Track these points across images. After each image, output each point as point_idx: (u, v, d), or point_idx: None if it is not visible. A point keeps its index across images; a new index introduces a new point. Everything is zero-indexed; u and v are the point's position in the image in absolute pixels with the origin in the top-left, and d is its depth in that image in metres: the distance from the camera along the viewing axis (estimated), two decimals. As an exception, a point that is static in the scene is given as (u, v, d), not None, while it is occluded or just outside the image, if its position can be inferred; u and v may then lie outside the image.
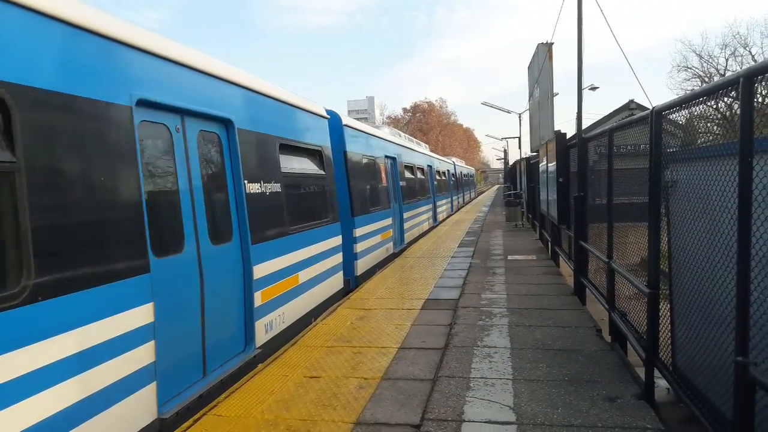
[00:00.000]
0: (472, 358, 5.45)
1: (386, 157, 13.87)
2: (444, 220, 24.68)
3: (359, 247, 10.55)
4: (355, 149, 11.08)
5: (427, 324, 6.78)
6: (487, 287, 8.91)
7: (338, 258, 9.03)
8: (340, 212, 9.40)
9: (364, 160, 11.76)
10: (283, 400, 4.56)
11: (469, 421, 4.06)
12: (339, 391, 4.70)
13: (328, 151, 8.99)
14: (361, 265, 10.64)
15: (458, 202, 35.92)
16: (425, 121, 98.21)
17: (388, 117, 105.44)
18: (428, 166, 21.49)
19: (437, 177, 24.32)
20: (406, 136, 21.78)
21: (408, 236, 15.62)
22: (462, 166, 43.63)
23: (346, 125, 10.57)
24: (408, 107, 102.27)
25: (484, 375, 4.98)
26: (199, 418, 4.27)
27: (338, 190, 9.50)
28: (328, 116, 9.33)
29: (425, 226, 19.35)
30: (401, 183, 15.26)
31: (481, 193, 71.23)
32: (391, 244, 13.27)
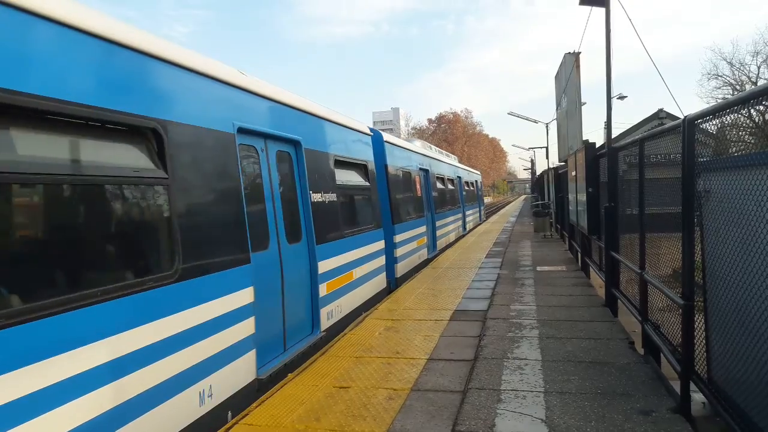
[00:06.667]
0: (503, 370, 5.42)
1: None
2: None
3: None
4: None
5: (456, 335, 6.77)
6: (516, 298, 8.84)
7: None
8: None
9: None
10: (313, 410, 4.60)
11: (500, 434, 4.04)
12: (368, 402, 4.72)
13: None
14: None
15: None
16: (450, 132, 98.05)
17: (413, 128, 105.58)
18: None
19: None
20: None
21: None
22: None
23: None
24: (433, 118, 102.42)
25: (515, 387, 4.94)
26: (230, 427, 4.33)
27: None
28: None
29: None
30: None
31: (508, 203, 70.56)
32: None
